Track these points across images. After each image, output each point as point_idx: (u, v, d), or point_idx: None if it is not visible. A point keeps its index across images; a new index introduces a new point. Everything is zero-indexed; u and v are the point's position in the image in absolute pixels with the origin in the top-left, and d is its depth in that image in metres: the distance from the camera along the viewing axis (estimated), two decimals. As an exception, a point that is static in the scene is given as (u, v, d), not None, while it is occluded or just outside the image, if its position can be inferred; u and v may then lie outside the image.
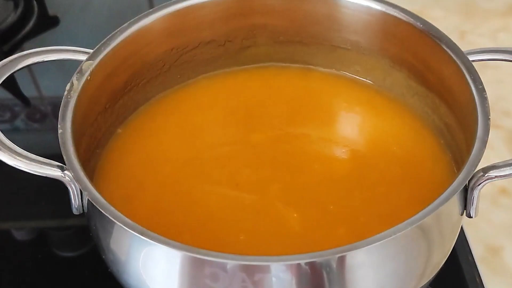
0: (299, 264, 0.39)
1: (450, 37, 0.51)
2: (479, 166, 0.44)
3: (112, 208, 0.40)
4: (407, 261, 0.43)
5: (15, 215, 0.61)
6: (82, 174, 0.42)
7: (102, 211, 0.40)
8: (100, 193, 0.42)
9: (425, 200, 0.41)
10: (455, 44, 0.50)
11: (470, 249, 0.56)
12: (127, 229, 0.39)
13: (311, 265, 0.39)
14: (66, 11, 0.82)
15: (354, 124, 0.57)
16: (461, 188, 0.42)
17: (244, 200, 0.50)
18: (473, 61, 0.50)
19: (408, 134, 0.55)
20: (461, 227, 0.56)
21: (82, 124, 0.48)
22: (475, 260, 0.55)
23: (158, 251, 0.41)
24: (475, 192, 0.45)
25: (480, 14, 0.79)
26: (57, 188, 0.46)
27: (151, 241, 0.39)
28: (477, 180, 0.44)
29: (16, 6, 0.79)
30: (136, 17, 0.53)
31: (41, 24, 0.79)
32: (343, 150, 0.54)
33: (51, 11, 0.82)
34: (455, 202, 0.44)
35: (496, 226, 0.58)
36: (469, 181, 0.44)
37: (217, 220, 0.49)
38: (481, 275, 0.54)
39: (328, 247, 0.39)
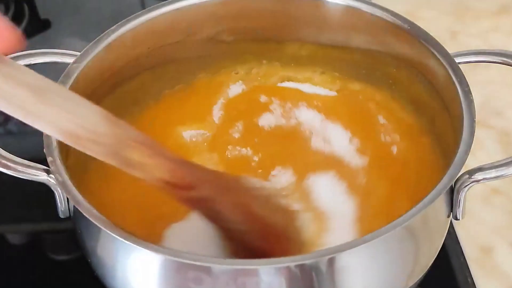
0: (288, 267, 0.39)
1: (441, 37, 0.51)
2: (470, 167, 0.44)
3: (95, 212, 0.40)
4: (394, 261, 0.43)
5: (8, 218, 0.61)
6: (66, 177, 0.42)
7: (85, 215, 0.40)
8: (87, 197, 0.42)
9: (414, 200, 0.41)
10: (442, 46, 0.50)
11: (462, 249, 0.56)
12: (111, 233, 0.39)
13: (300, 267, 0.39)
14: (57, 14, 0.81)
15: (344, 122, 0.57)
16: (446, 190, 0.42)
17: None
18: (462, 63, 0.50)
19: (399, 131, 0.55)
20: (453, 227, 0.56)
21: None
22: (467, 260, 0.55)
23: (142, 255, 0.41)
24: (462, 195, 0.45)
25: (471, 14, 0.79)
26: (51, 191, 0.46)
27: (134, 245, 0.39)
28: (463, 182, 0.44)
29: (7, 9, 0.79)
30: (123, 20, 0.53)
31: (32, 27, 0.79)
32: (335, 149, 0.54)
33: (42, 14, 0.82)
34: (441, 204, 0.45)
35: (488, 226, 0.58)
36: (455, 183, 0.45)
37: None
38: (472, 275, 0.54)
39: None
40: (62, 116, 0.36)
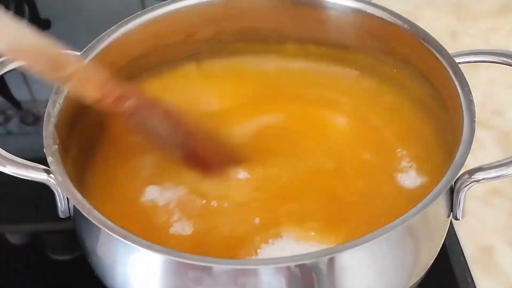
0: (288, 267, 0.39)
1: (441, 37, 0.51)
2: (470, 167, 0.44)
3: (95, 212, 0.40)
4: (395, 261, 0.43)
5: (8, 218, 0.61)
6: (66, 177, 0.42)
7: (85, 215, 0.40)
8: (87, 197, 0.42)
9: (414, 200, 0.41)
10: (442, 46, 0.50)
11: (461, 249, 0.56)
12: (111, 233, 0.39)
13: (300, 267, 0.40)
14: (57, 14, 0.81)
15: (343, 122, 0.57)
16: (446, 190, 0.42)
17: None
18: (462, 63, 0.50)
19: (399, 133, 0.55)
20: (453, 227, 0.56)
21: (68, 127, 0.48)
22: (467, 260, 0.55)
23: (141, 255, 0.41)
24: (461, 194, 0.45)
25: (472, 14, 0.79)
26: (51, 191, 0.46)
27: (134, 245, 0.39)
28: (463, 182, 0.44)
29: (7, 9, 0.79)
30: (123, 20, 0.53)
31: (32, 27, 0.79)
32: (335, 148, 0.54)
33: (42, 14, 0.82)
34: (440, 204, 0.45)
35: (487, 226, 0.58)
36: (454, 183, 0.45)
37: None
38: (472, 275, 0.54)
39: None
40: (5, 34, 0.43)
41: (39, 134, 0.45)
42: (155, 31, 0.55)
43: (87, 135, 0.52)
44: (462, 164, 0.42)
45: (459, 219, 0.46)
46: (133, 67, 0.55)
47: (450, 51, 0.50)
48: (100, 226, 0.40)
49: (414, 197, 0.43)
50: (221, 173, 0.50)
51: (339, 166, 0.53)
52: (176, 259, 0.39)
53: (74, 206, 0.45)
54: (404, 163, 0.53)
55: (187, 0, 0.56)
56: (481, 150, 0.63)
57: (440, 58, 0.49)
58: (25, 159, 0.46)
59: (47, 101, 0.47)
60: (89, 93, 0.46)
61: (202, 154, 0.51)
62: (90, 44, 0.51)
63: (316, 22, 0.56)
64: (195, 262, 0.38)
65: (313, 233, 0.47)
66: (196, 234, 0.48)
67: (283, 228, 0.48)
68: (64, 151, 0.45)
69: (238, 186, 0.51)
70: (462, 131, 0.44)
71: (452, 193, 0.45)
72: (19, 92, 0.74)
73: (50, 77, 0.45)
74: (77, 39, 0.57)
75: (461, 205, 0.45)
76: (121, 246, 0.42)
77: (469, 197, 0.45)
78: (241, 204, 0.49)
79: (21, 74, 0.74)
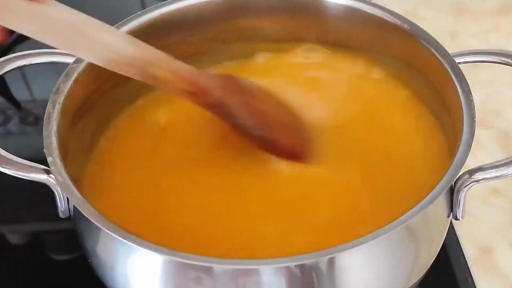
0: (288, 267, 0.39)
1: (441, 37, 0.51)
2: (470, 167, 0.44)
3: (95, 212, 0.40)
4: (394, 261, 0.43)
5: (8, 218, 0.61)
6: (66, 177, 0.42)
7: (85, 215, 0.40)
8: (87, 197, 0.42)
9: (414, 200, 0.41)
10: (442, 46, 0.50)
11: (462, 249, 0.56)
12: (111, 233, 0.39)
13: (300, 267, 0.40)
14: (57, 14, 0.81)
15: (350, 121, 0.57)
16: (446, 190, 0.42)
17: (238, 206, 0.50)
18: (462, 63, 0.50)
19: (399, 131, 0.55)
20: (453, 227, 0.56)
21: (68, 127, 0.48)
22: (467, 260, 0.55)
23: (142, 255, 0.41)
24: (461, 194, 0.45)
25: (471, 14, 0.79)
26: (51, 191, 0.46)
27: (134, 245, 0.39)
28: (463, 182, 0.44)
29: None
30: (123, 20, 0.53)
31: (32, 27, 0.79)
32: (338, 151, 0.54)
33: (42, 14, 0.82)
34: (440, 204, 0.45)
35: (488, 226, 0.58)
36: (454, 183, 0.45)
37: (206, 222, 0.49)
38: (472, 275, 0.54)
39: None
40: (97, 46, 0.44)
41: (39, 134, 0.45)
42: (155, 31, 0.55)
43: (87, 135, 0.52)
44: (462, 164, 0.42)
45: (459, 219, 0.46)
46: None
47: (450, 51, 0.50)
48: (100, 226, 0.40)
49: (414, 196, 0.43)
50: (299, 159, 0.52)
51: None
52: (176, 259, 0.39)
53: (74, 206, 0.45)
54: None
55: (187, 0, 0.56)
56: (481, 150, 0.63)
57: (440, 58, 0.49)
58: (25, 159, 0.46)
59: (47, 101, 0.48)
60: (180, 88, 0.48)
61: (282, 140, 0.52)
62: (90, 44, 0.51)
63: (316, 22, 0.56)
64: (195, 262, 0.38)
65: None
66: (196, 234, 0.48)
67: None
68: (64, 151, 0.45)
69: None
70: (462, 131, 0.44)
71: (452, 193, 0.45)
72: (19, 92, 0.74)
73: (143, 79, 0.47)
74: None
75: (461, 205, 0.45)
76: (121, 246, 0.42)
77: (469, 197, 0.45)
78: None
79: (21, 74, 0.74)
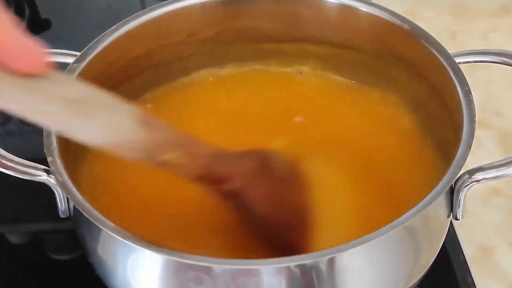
0: (288, 267, 0.39)
1: (441, 37, 0.51)
2: (470, 167, 0.44)
3: (95, 212, 0.40)
4: (394, 261, 0.43)
5: (8, 218, 0.61)
6: (66, 177, 0.42)
7: (86, 215, 0.40)
8: (88, 197, 0.42)
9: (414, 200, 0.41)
10: (442, 46, 0.50)
11: (462, 249, 0.56)
12: (111, 233, 0.39)
13: (300, 267, 0.39)
14: (57, 14, 0.82)
15: (344, 122, 0.57)
16: (446, 190, 0.42)
17: None
18: (462, 63, 0.50)
19: (399, 131, 0.55)
20: (453, 227, 0.56)
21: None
22: (467, 260, 0.55)
23: (142, 255, 0.41)
24: (461, 194, 0.45)
25: (471, 14, 0.79)
26: (51, 191, 0.46)
27: (134, 245, 0.39)
28: (463, 182, 0.44)
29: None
30: (123, 20, 0.53)
31: (32, 27, 0.79)
32: (334, 149, 0.54)
33: (42, 14, 0.82)
34: (440, 204, 0.44)
35: (488, 226, 0.58)
36: (454, 183, 0.44)
37: (208, 224, 0.49)
38: (472, 275, 0.54)
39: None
40: (97, 128, 0.37)
41: (39, 134, 0.45)
42: (155, 31, 0.55)
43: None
44: (462, 164, 0.42)
45: (459, 219, 0.46)
46: (133, 67, 0.55)
47: (450, 51, 0.50)
48: (100, 226, 0.40)
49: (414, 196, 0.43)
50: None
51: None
52: (176, 259, 0.39)
53: (74, 206, 0.45)
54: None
55: (187, 0, 0.56)
56: (481, 150, 0.63)
57: (440, 58, 0.49)
58: (25, 159, 0.46)
59: (47, 101, 0.47)
60: (194, 174, 0.43)
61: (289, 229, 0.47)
62: (90, 44, 0.51)
63: (315, 22, 0.56)
64: (195, 262, 0.38)
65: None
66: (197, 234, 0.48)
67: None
68: (64, 151, 0.45)
69: None
70: (462, 131, 0.44)
71: (452, 193, 0.45)
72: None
73: (149, 164, 0.41)
74: (77, 39, 0.57)
75: (461, 205, 0.45)
76: (121, 246, 0.42)
77: (469, 197, 0.45)
78: None
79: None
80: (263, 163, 0.46)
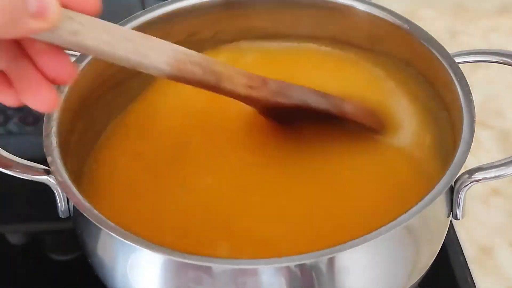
0: (288, 266, 0.39)
1: (441, 37, 0.51)
2: (470, 167, 0.44)
3: (95, 212, 0.40)
4: (394, 261, 0.43)
5: (8, 218, 0.61)
6: (66, 177, 0.42)
7: (85, 215, 0.40)
8: (87, 197, 0.42)
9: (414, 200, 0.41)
10: (442, 46, 0.50)
11: (462, 249, 0.56)
12: (111, 233, 0.39)
13: (300, 267, 0.40)
14: (57, 14, 0.81)
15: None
16: (446, 190, 0.42)
17: (237, 204, 0.50)
18: (462, 62, 0.50)
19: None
20: (453, 227, 0.56)
21: (69, 127, 0.48)
22: (467, 260, 0.55)
23: (142, 255, 0.41)
24: (461, 194, 0.45)
25: (471, 14, 0.79)
26: (51, 191, 0.46)
27: (134, 245, 0.39)
28: (463, 182, 0.44)
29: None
30: (123, 20, 0.53)
31: (32, 27, 0.79)
32: (333, 148, 0.54)
33: (43, 14, 0.82)
34: (440, 204, 0.45)
35: (488, 226, 0.58)
36: (454, 183, 0.45)
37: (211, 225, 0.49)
38: (472, 275, 0.54)
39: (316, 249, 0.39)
40: (165, 48, 0.43)
41: (39, 134, 0.45)
42: (155, 31, 0.55)
43: (87, 135, 0.52)
44: (462, 164, 0.42)
45: (459, 219, 0.46)
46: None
47: (450, 51, 0.50)
48: (100, 226, 0.40)
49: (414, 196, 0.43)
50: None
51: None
52: (176, 259, 0.39)
53: (74, 206, 0.45)
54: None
55: (187, 0, 0.56)
56: (481, 150, 0.63)
57: (440, 58, 0.49)
58: (25, 159, 0.46)
59: (47, 101, 0.47)
60: (242, 83, 0.47)
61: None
62: (90, 44, 0.51)
63: (315, 22, 0.57)
64: (195, 262, 0.38)
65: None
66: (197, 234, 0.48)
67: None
68: (64, 151, 0.45)
69: None
70: (462, 131, 0.44)
71: (452, 193, 0.45)
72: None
73: (203, 79, 0.44)
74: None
75: (461, 205, 0.45)
76: (121, 246, 0.42)
77: (469, 197, 0.45)
78: None
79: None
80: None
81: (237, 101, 0.49)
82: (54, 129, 0.45)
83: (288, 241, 0.46)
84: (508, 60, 0.49)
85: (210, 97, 0.57)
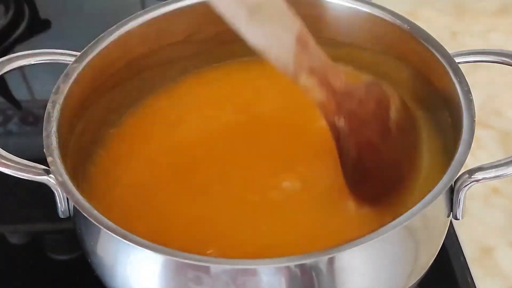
0: (288, 266, 0.39)
1: (441, 37, 0.51)
2: (470, 167, 0.44)
3: (95, 212, 0.40)
4: (394, 261, 0.43)
5: (8, 218, 0.61)
6: (66, 177, 0.42)
7: (85, 215, 0.40)
8: (87, 197, 0.42)
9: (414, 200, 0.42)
10: (442, 46, 0.50)
11: (462, 249, 0.56)
12: (110, 233, 0.39)
13: (300, 267, 0.40)
14: (57, 14, 0.82)
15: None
16: (446, 190, 0.42)
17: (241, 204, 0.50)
18: (462, 62, 0.50)
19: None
20: (453, 227, 0.56)
21: (69, 127, 0.48)
22: (467, 261, 0.55)
23: (142, 255, 0.41)
24: (461, 194, 0.45)
25: (471, 14, 0.79)
26: (51, 191, 0.46)
27: (134, 245, 0.39)
28: (463, 182, 0.44)
29: (7, 9, 0.79)
30: (123, 20, 0.53)
31: (32, 28, 0.79)
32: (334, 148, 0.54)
33: (42, 14, 0.82)
34: (440, 204, 0.44)
35: (488, 226, 0.58)
36: (454, 183, 0.44)
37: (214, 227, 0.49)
38: (472, 276, 0.54)
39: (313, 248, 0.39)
40: (263, 36, 0.42)
41: (39, 134, 0.45)
42: (155, 31, 0.55)
43: (87, 135, 0.52)
44: (462, 164, 0.42)
45: (459, 219, 0.46)
46: (133, 67, 0.55)
47: (450, 51, 0.50)
48: (100, 226, 0.40)
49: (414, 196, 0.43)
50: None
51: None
52: (176, 259, 0.39)
53: (74, 206, 0.45)
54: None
55: (187, 0, 0.56)
56: (481, 150, 0.63)
57: (440, 58, 0.49)
58: (25, 159, 0.46)
59: (47, 101, 0.48)
60: (318, 97, 0.45)
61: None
62: (90, 44, 0.51)
63: (315, 22, 0.56)
64: (195, 262, 0.38)
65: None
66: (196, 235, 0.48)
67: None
68: (64, 151, 0.45)
69: None
70: (462, 131, 0.44)
71: (452, 192, 0.45)
72: (19, 92, 0.74)
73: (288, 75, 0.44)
74: (77, 39, 0.57)
75: (461, 205, 0.45)
76: (121, 246, 0.42)
77: (469, 197, 0.45)
78: None
79: (21, 74, 0.74)
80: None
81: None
82: (54, 129, 0.45)
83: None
84: (508, 60, 0.49)
85: (213, 101, 0.58)
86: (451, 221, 0.47)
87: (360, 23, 0.55)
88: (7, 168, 0.45)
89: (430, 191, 0.41)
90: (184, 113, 0.57)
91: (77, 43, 0.53)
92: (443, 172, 0.42)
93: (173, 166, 0.52)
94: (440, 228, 0.46)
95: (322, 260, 0.40)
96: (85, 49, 0.51)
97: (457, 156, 0.43)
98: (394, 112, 0.48)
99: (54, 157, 0.44)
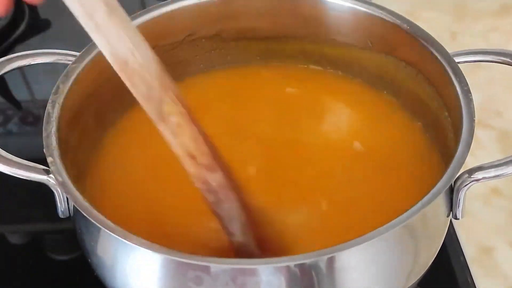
0: (287, 266, 0.39)
1: (441, 37, 0.51)
2: (469, 166, 0.44)
3: (95, 212, 0.40)
4: (394, 261, 0.43)
5: (8, 218, 0.61)
6: (66, 177, 0.42)
7: (85, 215, 0.40)
8: (87, 197, 0.42)
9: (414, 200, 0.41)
10: (442, 46, 0.50)
11: (462, 249, 0.56)
12: (110, 232, 0.39)
13: (300, 267, 0.39)
14: (57, 14, 0.81)
15: (345, 122, 0.57)
16: (446, 189, 0.42)
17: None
18: (462, 62, 0.50)
19: (399, 131, 0.55)
20: (453, 227, 0.56)
21: (68, 127, 0.48)
22: (467, 261, 0.55)
23: (142, 255, 0.41)
24: (461, 194, 0.45)
25: (471, 14, 0.79)
26: (51, 191, 0.46)
27: (134, 244, 0.39)
28: (463, 181, 0.44)
29: (7, 9, 0.79)
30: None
31: (32, 27, 0.79)
32: (335, 148, 0.54)
33: (42, 14, 0.82)
34: (440, 204, 0.44)
35: (488, 226, 0.58)
36: (454, 182, 0.45)
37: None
38: (473, 276, 0.54)
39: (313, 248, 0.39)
40: (120, 37, 0.37)
41: (39, 134, 0.45)
42: (155, 31, 0.55)
43: (87, 135, 0.52)
44: (461, 164, 0.42)
45: (459, 219, 0.46)
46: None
47: (450, 51, 0.50)
48: (100, 226, 0.40)
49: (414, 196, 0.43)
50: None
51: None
52: (176, 259, 0.39)
53: (74, 206, 0.45)
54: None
55: (187, 0, 0.56)
56: (481, 150, 0.63)
57: (440, 58, 0.49)
58: (25, 159, 0.46)
59: (47, 101, 0.48)
60: (180, 140, 0.41)
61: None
62: (90, 44, 0.51)
63: (316, 22, 0.57)
64: (194, 262, 0.38)
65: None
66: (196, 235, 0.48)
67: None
68: (64, 151, 0.45)
69: None
70: (462, 131, 0.44)
71: (452, 192, 0.45)
72: (19, 92, 0.74)
73: (145, 105, 0.40)
74: (77, 39, 0.57)
75: (461, 205, 0.45)
76: (121, 246, 0.42)
77: (469, 197, 0.45)
78: None
79: (21, 74, 0.74)
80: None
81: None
82: (54, 129, 0.45)
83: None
84: (508, 60, 0.49)
85: (212, 103, 0.58)
86: (451, 221, 0.47)
87: (360, 23, 0.55)
88: (7, 168, 0.45)
89: (429, 190, 0.41)
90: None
91: (77, 43, 0.53)
92: (443, 171, 0.42)
93: (173, 166, 0.52)
94: (440, 228, 0.46)
95: (322, 260, 0.40)
96: (85, 49, 0.51)
97: (457, 155, 0.43)
98: None
99: (54, 157, 0.44)
